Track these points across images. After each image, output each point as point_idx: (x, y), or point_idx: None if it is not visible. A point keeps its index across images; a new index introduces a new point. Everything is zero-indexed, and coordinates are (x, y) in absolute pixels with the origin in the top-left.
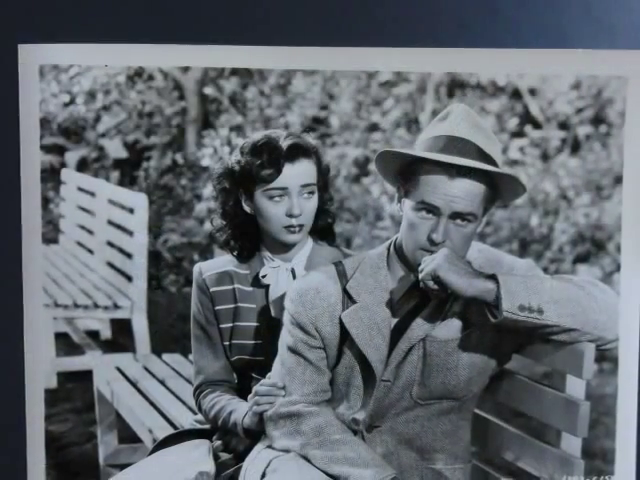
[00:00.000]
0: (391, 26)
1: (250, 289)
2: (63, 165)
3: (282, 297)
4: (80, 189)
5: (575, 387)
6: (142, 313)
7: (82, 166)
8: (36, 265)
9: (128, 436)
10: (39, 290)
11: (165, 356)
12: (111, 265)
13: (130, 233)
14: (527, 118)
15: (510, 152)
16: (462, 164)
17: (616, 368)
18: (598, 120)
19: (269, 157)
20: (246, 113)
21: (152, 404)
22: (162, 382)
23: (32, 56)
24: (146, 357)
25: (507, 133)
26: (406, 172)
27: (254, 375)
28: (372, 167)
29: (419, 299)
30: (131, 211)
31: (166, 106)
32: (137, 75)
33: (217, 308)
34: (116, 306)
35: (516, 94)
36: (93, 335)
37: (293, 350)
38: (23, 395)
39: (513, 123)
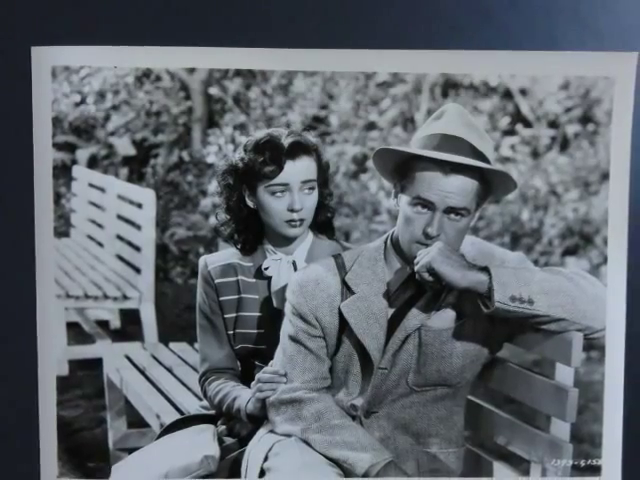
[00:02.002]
0: (388, 29)
1: (253, 281)
2: (74, 162)
3: (284, 288)
4: (90, 185)
5: (564, 374)
6: (150, 304)
7: (92, 163)
8: (48, 258)
9: (136, 421)
10: (51, 281)
11: (172, 345)
12: (120, 258)
13: (138, 227)
14: (518, 117)
15: (502, 150)
16: (456, 161)
17: (603, 356)
18: (586, 119)
19: (271, 154)
20: (249, 112)
21: (159, 391)
22: (169, 370)
23: (45, 58)
24: (154, 346)
25: (499, 131)
26: (402, 169)
27: (257, 363)
28: (370, 164)
29: (415, 290)
30: (139, 206)
31: (173, 106)
32: (145, 76)
33: (221, 299)
34: (125, 297)
35: (507, 94)
36: (103, 325)
37: (294, 339)
38: (36, 382)
39: (505, 122)
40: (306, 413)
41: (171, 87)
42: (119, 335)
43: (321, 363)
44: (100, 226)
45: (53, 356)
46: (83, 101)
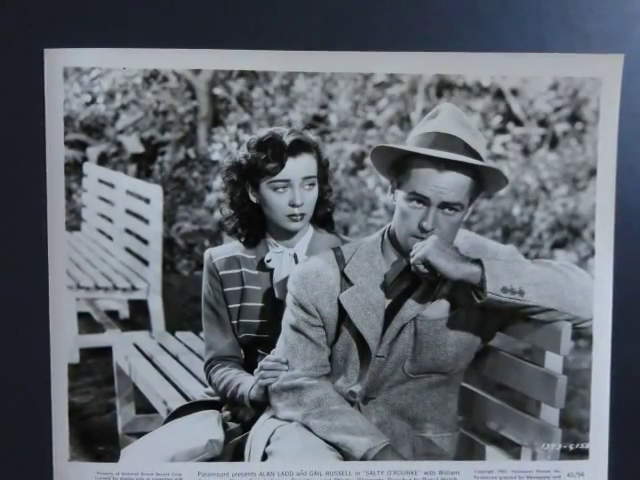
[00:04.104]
0: (385, 32)
1: (256, 272)
2: (85, 159)
3: (285, 280)
4: (100, 181)
5: (553, 362)
6: (157, 294)
7: (102, 160)
8: (60, 250)
9: (144, 407)
10: (63, 273)
11: (178, 334)
12: (129, 250)
13: (146, 221)
14: (509, 116)
15: (494, 147)
16: (450, 158)
17: (591, 345)
18: (574, 118)
19: (273, 152)
20: (252, 112)
21: (166, 378)
22: (176, 358)
23: (57, 59)
24: (161, 335)
25: (491, 130)
26: (399, 166)
27: (260, 351)
28: (368, 161)
29: (410, 282)
30: (147, 201)
31: (179, 105)
32: (152, 77)
33: (226, 290)
34: (134, 288)
35: (499, 94)
36: (112, 315)
37: (295, 328)
38: (48, 369)
39: (496, 121)
40: (306, 399)
41: (177, 87)
42: (128, 324)
43: (321, 351)
44: (110, 220)
45: (65, 344)
46: (93, 101)
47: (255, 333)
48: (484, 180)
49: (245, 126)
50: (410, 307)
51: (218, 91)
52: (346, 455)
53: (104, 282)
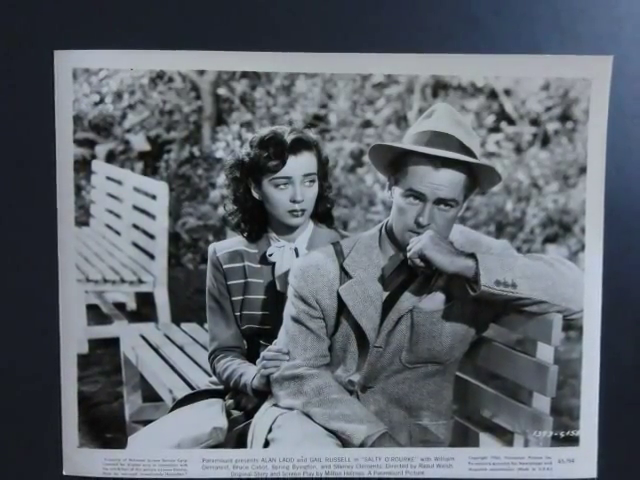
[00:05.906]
0: (383, 34)
1: (258, 266)
2: (93, 157)
3: (286, 273)
4: (108, 178)
5: (545, 352)
6: (163, 287)
7: (110, 158)
8: (70, 245)
9: (151, 396)
10: (72, 267)
11: (184, 325)
12: (136, 245)
13: (153, 217)
14: (502, 115)
15: (487, 145)
16: (445, 156)
17: (581, 336)
18: (565, 117)
19: (275, 150)
20: (255, 111)
21: (172, 368)
22: (181, 348)
23: (66, 60)
24: (167, 326)
25: (485, 129)
26: (396, 163)
27: (262, 342)
28: (366, 159)
29: (407, 275)
30: (154, 197)
31: (184, 105)
32: (159, 77)
33: (229, 283)
34: (140, 281)
35: (493, 94)
36: (120, 307)
37: (296, 320)
38: (58, 360)
39: (490, 120)
40: (307, 388)
41: (183, 88)
42: (135, 316)
43: (321, 342)
44: (117, 216)
45: (74, 336)
46: (102, 101)
47: (257, 324)
48: (478, 177)
49: (248, 125)
50: (407, 299)
51: (222, 91)
52: (345, 442)
53: (112, 275)
